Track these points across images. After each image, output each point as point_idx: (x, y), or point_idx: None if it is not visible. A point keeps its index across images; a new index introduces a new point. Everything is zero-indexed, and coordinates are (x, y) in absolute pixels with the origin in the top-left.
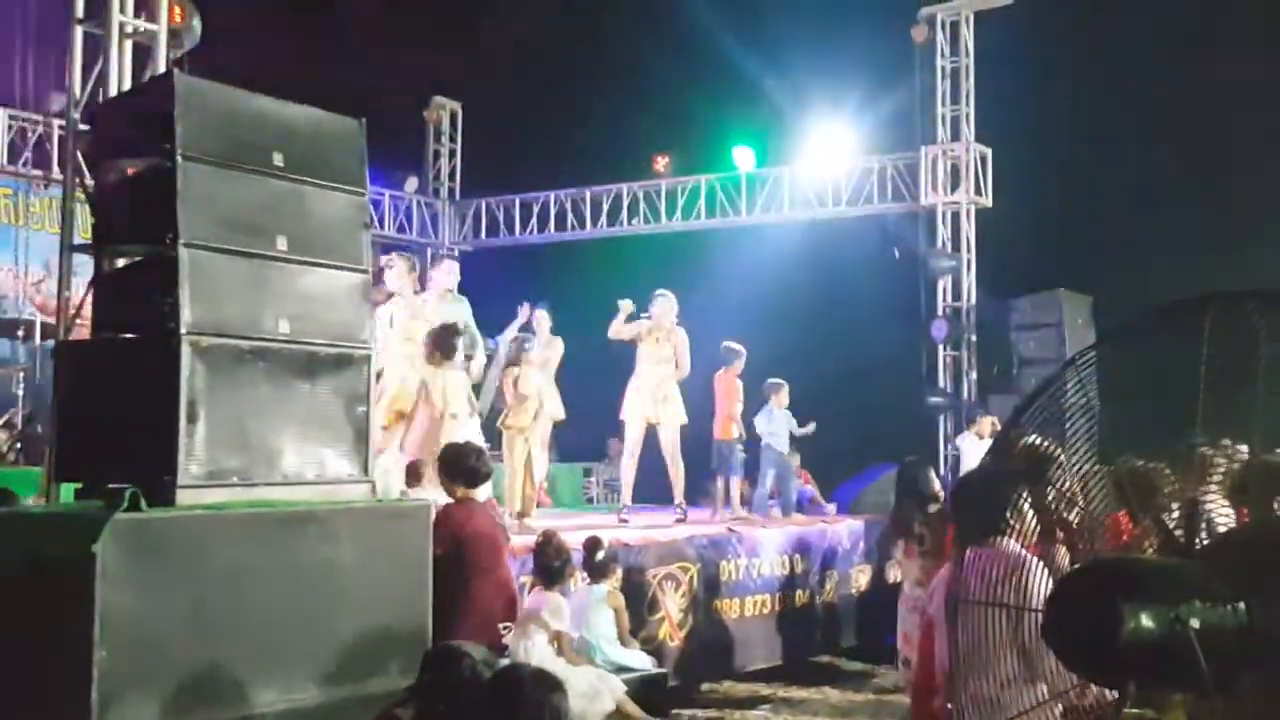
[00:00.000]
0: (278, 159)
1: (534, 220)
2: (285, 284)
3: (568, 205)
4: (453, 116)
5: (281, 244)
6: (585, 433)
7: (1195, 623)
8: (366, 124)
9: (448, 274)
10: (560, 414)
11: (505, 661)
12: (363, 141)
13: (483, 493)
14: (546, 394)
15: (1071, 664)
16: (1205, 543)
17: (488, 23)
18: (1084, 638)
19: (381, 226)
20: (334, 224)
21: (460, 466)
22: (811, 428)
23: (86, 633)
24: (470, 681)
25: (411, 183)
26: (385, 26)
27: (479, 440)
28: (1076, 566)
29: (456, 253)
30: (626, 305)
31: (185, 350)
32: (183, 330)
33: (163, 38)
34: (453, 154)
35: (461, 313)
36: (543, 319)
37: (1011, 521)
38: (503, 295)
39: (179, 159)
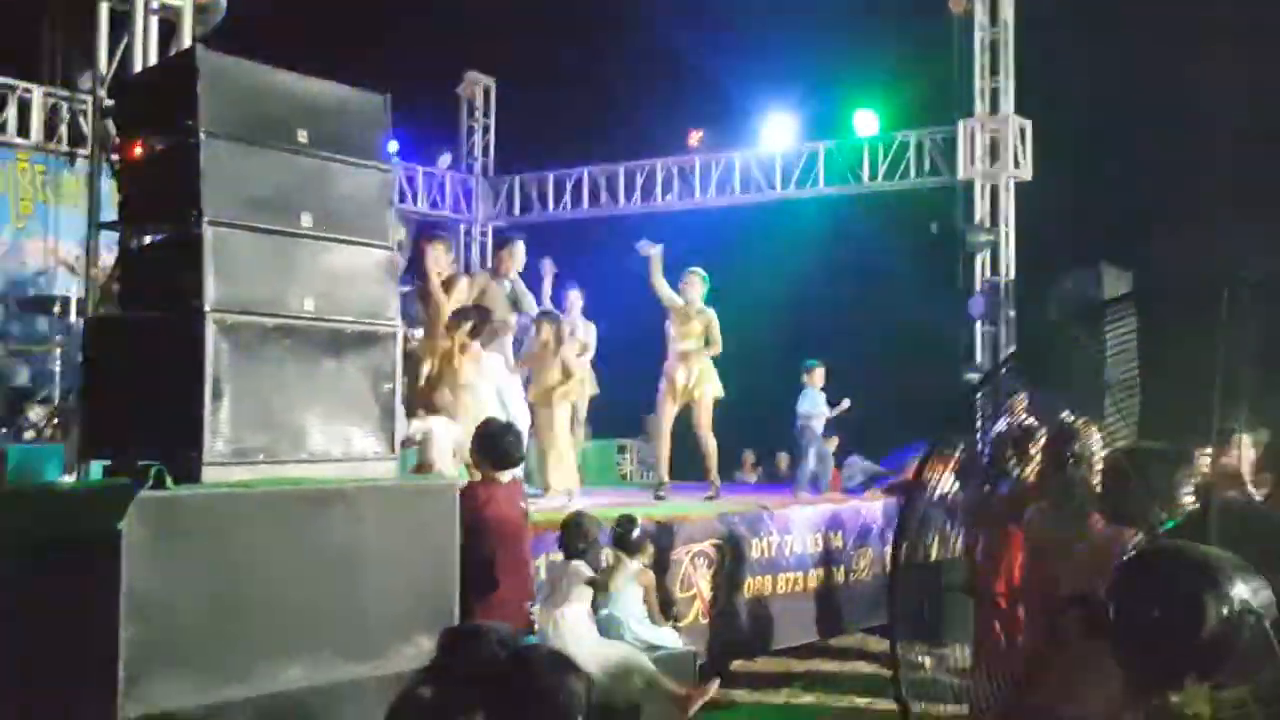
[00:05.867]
0: (302, 135)
1: (568, 196)
2: (310, 261)
3: (601, 181)
4: (486, 92)
5: (306, 221)
6: (619, 409)
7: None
8: (401, 100)
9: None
10: (594, 388)
11: (530, 640)
12: (388, 117)
13: (508, 474)
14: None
15: (1141, 659)
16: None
17: None
18: (1162, 633)
19: (415, 202)
20: (359, 200)
21: (493, 445)
22: (846, 404)
23: (112, 610)
24: (489, 661)
25: (445, 158)
26: (419, 2)
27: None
28: (1133, 554)
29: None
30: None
31: (209, 328)
32: (207, 308)
33: (188, 13)
34: (486, 129)
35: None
36: (575, 300)
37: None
38: (537, 271)
39: (202, 135)
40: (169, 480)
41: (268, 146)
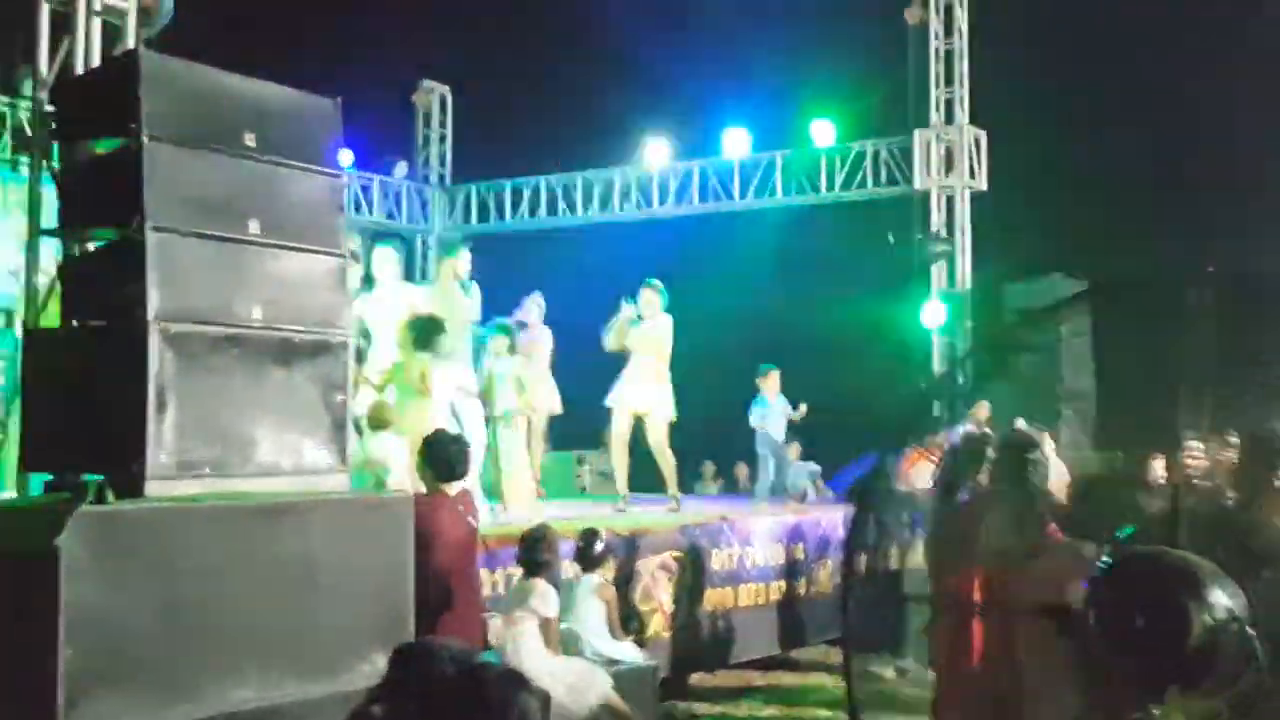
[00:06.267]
0: (249, 139)
1: (525, 205)
2: (258, 269)
3: (559, 191)
4: (442, 101)
5: (254, 227)
6: (578, 421)
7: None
8: (356, 109)
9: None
10: (557, 407)
11: (484, 656)
12: (339, 121)
13: (456, 486)
14: (540, 384)
15: (1123, 670)
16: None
17: (478, 4)
18: (1145, 643)
19: (370, 212)
20: (309, 206)
21: (438, 457)
22: (803, 410)
23: (51, 630)
24: (441, 678)
25: (401, 167)
26: (373, 8)
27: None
28: (1109, 562)
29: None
30: (628, 312)
31: (153, 337)
32: (150, 316)
33: (132, 15)
34: (442, 139)
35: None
36: (533, 307)
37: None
38: (494, 281)
39: (145, 139)
40: (110, 495)
41: (214, 150)
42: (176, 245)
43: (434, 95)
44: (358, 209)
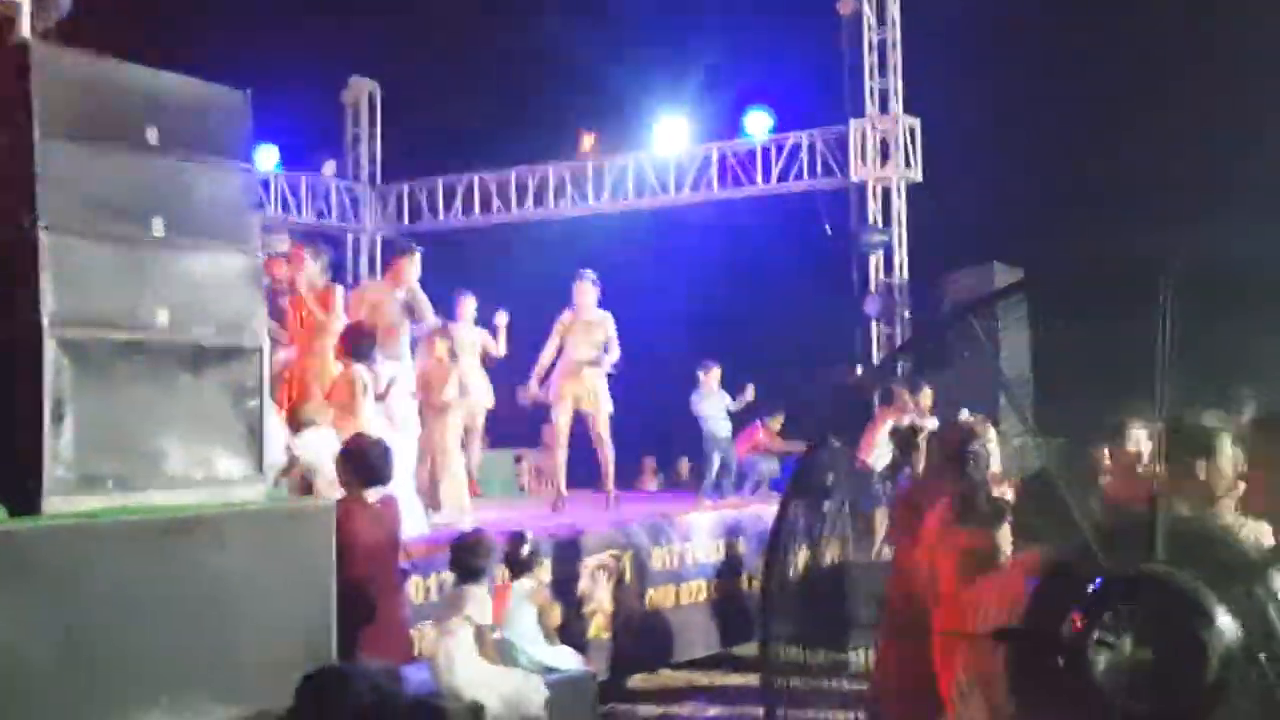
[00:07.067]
0: (151, 134)
1: (458, 202)
2: (163, 270)
3: (493, 187)
4: (371, 98)
5: (158, 226)
6: (515, 419)
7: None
8: (283, 106)
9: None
10: (489, 401)
11: (417, 672)
12: (248, 113)
13: (377, 491)
14: (473, 380)
15: (1132, 710)
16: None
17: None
18: (1154, 680)
19: (300, 213)
20: (217, 203)
21: (359, 462)
22: (749, 391)
23: None
24: (350, 710)
25: (329, 166)
26: (299, 3)
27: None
28: (1102, 583)
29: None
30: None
31: (49, 344)
32: (45, 322)
33: (26, 7)
34: (373, 136)
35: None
36: (467, 305)
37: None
38: (428, 281)
39: (37, 135)
40: (3, 513)
41: (113, 146)
42: (73, 246)
43: (363, 91)
44: (285, 209)
